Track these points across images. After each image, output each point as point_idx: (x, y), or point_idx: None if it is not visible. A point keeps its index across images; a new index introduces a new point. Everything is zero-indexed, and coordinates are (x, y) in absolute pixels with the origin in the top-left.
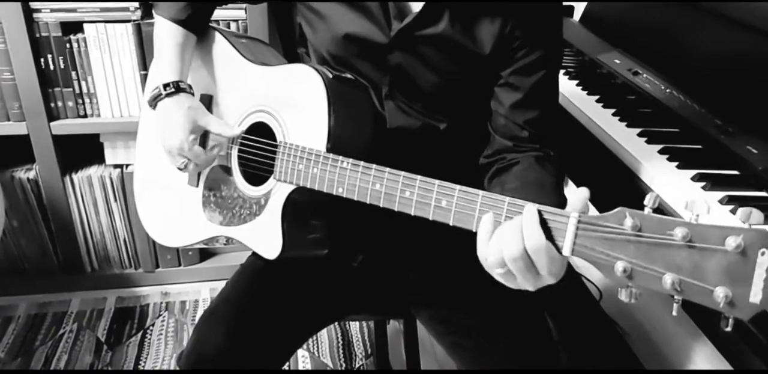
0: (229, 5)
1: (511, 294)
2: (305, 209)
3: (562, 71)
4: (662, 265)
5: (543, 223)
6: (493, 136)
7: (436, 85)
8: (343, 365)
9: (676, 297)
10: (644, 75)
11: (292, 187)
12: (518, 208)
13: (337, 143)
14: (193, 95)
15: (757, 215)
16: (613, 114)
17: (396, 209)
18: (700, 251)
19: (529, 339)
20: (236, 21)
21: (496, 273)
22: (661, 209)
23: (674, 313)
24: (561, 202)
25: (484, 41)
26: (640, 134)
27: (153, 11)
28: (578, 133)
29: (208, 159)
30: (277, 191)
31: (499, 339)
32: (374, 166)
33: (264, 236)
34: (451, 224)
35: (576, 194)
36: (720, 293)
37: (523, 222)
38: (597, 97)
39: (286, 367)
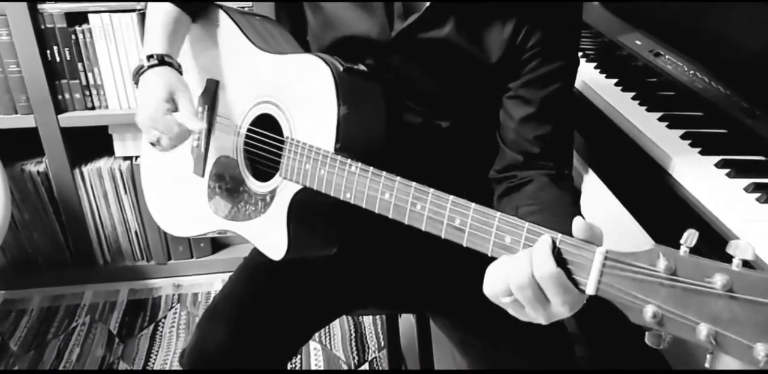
0: None
1: None
2: (312, 210)
3: (579, 54)
4: (697, 314)
5: (562, 256)
6: (502, 149)
7: (436, 90)
8: (356, 357)
9: (709, 348)
10: (666, 56)
11: (298, 187)
12: (537, 235)
13: (347, 143)
14: (180, 73)
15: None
16: (633, 98)
17: (406, 223)
18: (740, 303)
19: (542, 341)
20: (242, 9)
21: (503, 303)
22: (683, 199)
23: (707, 365)
24: None
25: (492, 49)
26: (660, 119)
27: None
28: (596, 118)
29: (180, 134)
30: (283, 189)
31: (510, 340)
32: (384, 173)
33: (269, 236)
34: (464, 245)
35: (577, 226)
36: (761, 350)
37: (533, 250)
38: (616, 80)
39: (298, 360)
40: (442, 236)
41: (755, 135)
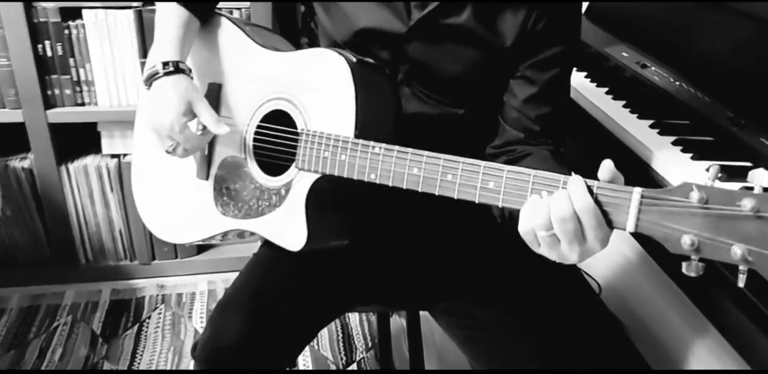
0: None
1: (530, 288)
2: (329, 199)
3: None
4: (731, 236)
5: (599, 198)
6: (503, 127)
7: (454, 75)
8: (344, 358)
9: (742, 267)
10: (652, 68)
11: (316, 176)
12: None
13: (365, 129)
14: (192, 78)
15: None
16: (624, 106)
17: (437, 194)
18: None
19: (545, 335)
20: (239, 9)
21: (541, 237)
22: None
23: (741, 284)
24: None
25: (506, 34)
26: (652, 126)
27: None
28: (588, 124)
29: (198, 144)
30: (300, 180)
31: (513, 334)
32: (410, 150)
33: (286, 228)
34: (500, 205)
35: (605, 167)
36: None
37: (569, 187)
38: (606, 89)
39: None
40: (476, 201)
41: (741, 143)
